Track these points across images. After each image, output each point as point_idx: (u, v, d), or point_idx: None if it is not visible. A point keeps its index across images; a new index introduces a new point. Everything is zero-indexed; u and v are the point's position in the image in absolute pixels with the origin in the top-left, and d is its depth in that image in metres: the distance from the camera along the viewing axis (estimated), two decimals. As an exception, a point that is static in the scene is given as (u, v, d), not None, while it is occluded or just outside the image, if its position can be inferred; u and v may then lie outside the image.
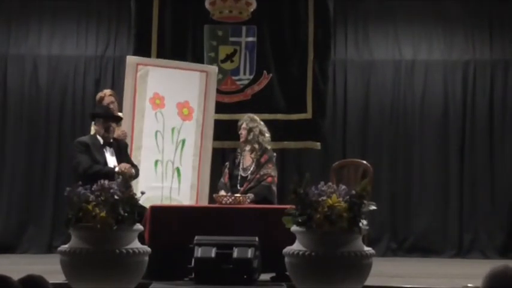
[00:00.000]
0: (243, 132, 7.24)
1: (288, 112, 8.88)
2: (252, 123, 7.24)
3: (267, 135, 7.28)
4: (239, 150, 7.30)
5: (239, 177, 7.12)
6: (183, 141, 8.01)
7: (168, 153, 7.94)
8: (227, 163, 7.35)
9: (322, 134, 8.94)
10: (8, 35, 9.31)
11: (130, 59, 8.10)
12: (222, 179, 7.23)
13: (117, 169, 6.58)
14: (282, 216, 5.41)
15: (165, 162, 7.90)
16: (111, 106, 7.40)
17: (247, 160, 7.19)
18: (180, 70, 8.16)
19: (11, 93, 9.26)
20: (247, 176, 7.11)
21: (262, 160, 7.14)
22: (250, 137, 7.18)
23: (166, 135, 7.94)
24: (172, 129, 7.99)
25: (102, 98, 7.57)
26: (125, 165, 6.64)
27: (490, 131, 9.33)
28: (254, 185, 7.07)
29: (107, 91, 7.70)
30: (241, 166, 7.17)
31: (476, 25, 9.41)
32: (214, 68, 8.42)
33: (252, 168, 7.13)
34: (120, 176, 5.95)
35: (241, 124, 7.27)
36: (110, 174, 6.40)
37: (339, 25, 9.36)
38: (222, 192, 6.95)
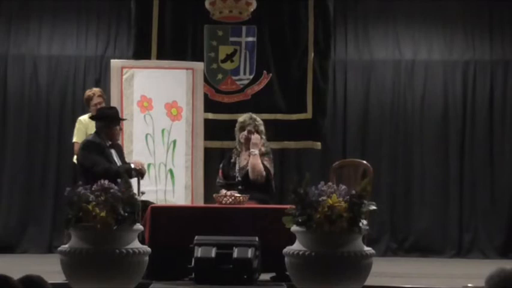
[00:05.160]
0: (249, 135, 7.04)
1: (288, 112, 8.88)
2: (261, 126, 7.07)
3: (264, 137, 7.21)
4: (236, 150, 7.16)
5: (236, 180, 7.03)
6: (174, 142, 8.02)
7: (159, 156, 7.94)
8: (221, 164, 7.23)
9: (322, 134, 8.94)
10: (8, 35, 9.30)
11: (115, 63, 8.12)
12: (218, 180, 7.12)
13: (133, 166, 6.62)
14: (282, 216, 5.41)
15: (158, 165, 7.90)
16: (99, 106, 7.42)
17: (243, 160, 7.10)
18: (166, 70, 8.16)
19: (11, 93, 9.26)
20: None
21: (260, 152, 7.04)
22: (263, 141, 7.07)
23: (157, 137, 7.94)
24: (163, 131, 8.00)
25: (90, 97, 7.56)
26: (139, 162, 6.68)
27: (490, 131, 9.33)
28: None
29: (96, 90, 7.71)
30: (237, 167, 7.08)
31: (476, 25, 9.41)
32: (200, 65, 8.39)
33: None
34: (135, 172, 6.09)
35: (248, 124, 7.06)
36: (129, 171, 6.50)
37: (339, 25, 9.36)
38: (223, 192, 6.84)
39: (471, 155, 9.29)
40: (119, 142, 7.24)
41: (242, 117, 7.20)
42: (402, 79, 9.41)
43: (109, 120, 6.76)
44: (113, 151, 6.74)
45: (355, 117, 9.38)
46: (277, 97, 8.89)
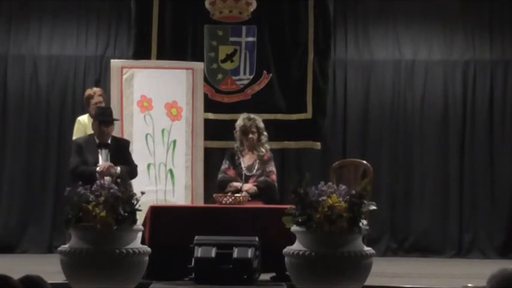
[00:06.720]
0: (253, 136, 7.09)
1: (288, 112, 8.89)
2: (261, 123, 7.15)
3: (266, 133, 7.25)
4: (237, 149, 7.18)
5: (244, 176, 7.06)
6: (174, 142, 8.02)
7: (159, 156, 7.94)
8: (227, 161, 7.23)
9: (322, 134, 8.95)
10: (8, 35, 9.30)
11: (115, 63, 8.12)
12: (224, 174, 7.10)
13: (97, 169, 6.56)
14: (282, 216, 5.42)
15: (158, 165, 7.91)
16: (99, 106, 7.39)
17: (248, 159, 7.12)
18: (166, 70, 8.16)
19: (11, 93, 9.25)
20: (252, 175, 7.06)
21: (265, 158, 7.12)
22: (263, 140, 7.13)
23: (157, 137, 7.94)
24: (163, 131, 8.00)
25: (90, 96, 7.53)
26: (104, 165, 6.59)
27: (490, 131, 9.32)
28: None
29: (97, 90, 7.67)
30: (243, 165, 7.11)
31: (476, 25, 9.41)
32: (200, 65, 8.39)
33: (257, 165, 7.07)
34: (99, 175, 6.02)
35: (250, 126, 7.12)
36: (92, 174, 6.45)
37: (339, 25, 9.36)
38: (236, 183, 6.87)
39: (471, 155, 9.29)
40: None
41: (240, 121, 7.19)
42: (402, 79, 9.41)
43: (97, 120, 6.80)
44: (102, 151, 6.71)
45: (355, 117, 9.37)
46: (277, 97, 8.89)
